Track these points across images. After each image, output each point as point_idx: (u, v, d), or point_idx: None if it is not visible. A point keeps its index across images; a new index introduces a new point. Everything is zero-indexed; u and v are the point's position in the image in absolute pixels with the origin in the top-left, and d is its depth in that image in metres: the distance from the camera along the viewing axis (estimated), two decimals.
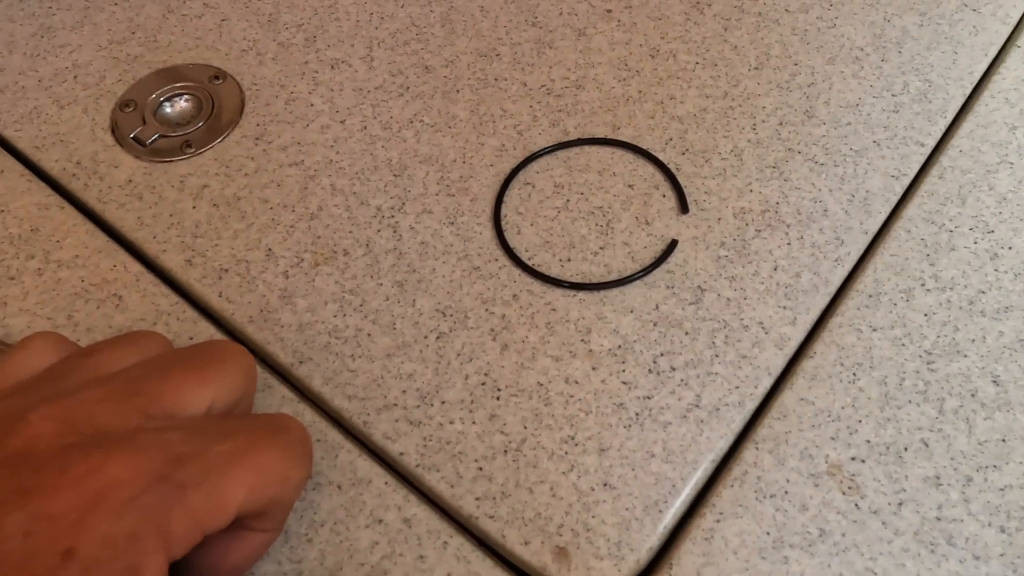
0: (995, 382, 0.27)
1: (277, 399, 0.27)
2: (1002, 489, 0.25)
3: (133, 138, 0.33)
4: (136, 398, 0.19)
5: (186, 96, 0.35)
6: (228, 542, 0.21)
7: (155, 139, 0.33)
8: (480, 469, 0.25)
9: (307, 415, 0.26)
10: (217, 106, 0.34)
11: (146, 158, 0.33)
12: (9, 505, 0.16)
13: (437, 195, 0.31)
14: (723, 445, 0.26)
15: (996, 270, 0.29)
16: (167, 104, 0.34)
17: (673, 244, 0.30)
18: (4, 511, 0.16)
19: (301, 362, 0.27)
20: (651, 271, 0.29)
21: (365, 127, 0.33)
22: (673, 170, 0.32)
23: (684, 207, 0.31)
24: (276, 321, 0.28)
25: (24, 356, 0.21)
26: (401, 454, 0.26)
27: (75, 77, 0.35)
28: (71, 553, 0.16)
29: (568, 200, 0.31)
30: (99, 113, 0.34)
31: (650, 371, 0.27)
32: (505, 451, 0.26)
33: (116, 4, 0.38)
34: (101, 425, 0.18)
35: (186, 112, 0.34)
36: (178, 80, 0.35)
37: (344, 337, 0.28)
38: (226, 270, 0.30)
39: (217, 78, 0.35)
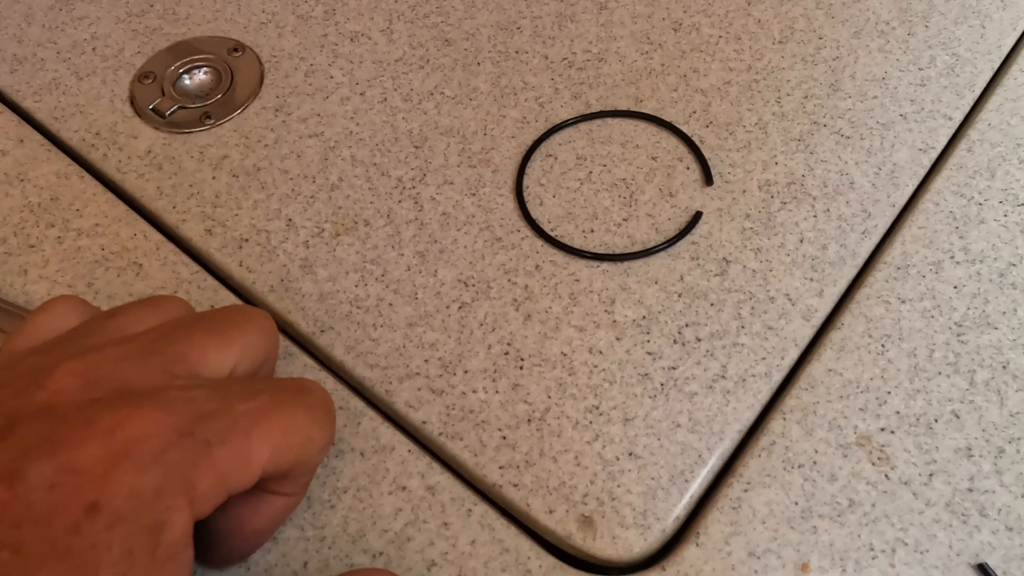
0: None
1: (299, 367, 0.27)
2: None
3: (152, 109, 0.33)
4: (159, 357, 0.19)
5: (205, 68, 0.34)
6: (252, 505, 0.21)
7: (174, 110, 0.33)
8: (504, 438, 0.25)
9: (329, 383, 0.26)
10: (236, 78, 0.34)
11: (165, 129, 0.32)
12: (34, 456, 0.16)
13: (458, 166, 0.31)
14: (750, 415, 0.26)
15: None
16: (186, 76, 0.34)
17: (698, 216, 0.30)
18: (29, 462, 0.16)
19: (323, 331, 0.27)
20: (675, 242, 0.29)
21: (385, 99, 0.33)
22: (697, 142, 0.32)
23: (708, 179, 0.31)
24: (297, 290, 0.28)
25: (46, 318, 0.21)
26: (424, 423, 0.25)
27: (94, 49, 0.35)
28: (96, 506, 0.16)
29: (591, 172, 0.31)
30: (118, 85, 0.34)
31: (675, 342, 0.27)
32: (529, 420, 0.25)
33: None
34: (126, 381, 0.18)
35: (205, 84, 0.34)
36: (197, 52, 0.35)
37: (366, 306, 0.28)
38: (246, 240, 0.29)
39: (236, 50, 0.35)
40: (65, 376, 0.18)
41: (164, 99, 0.33)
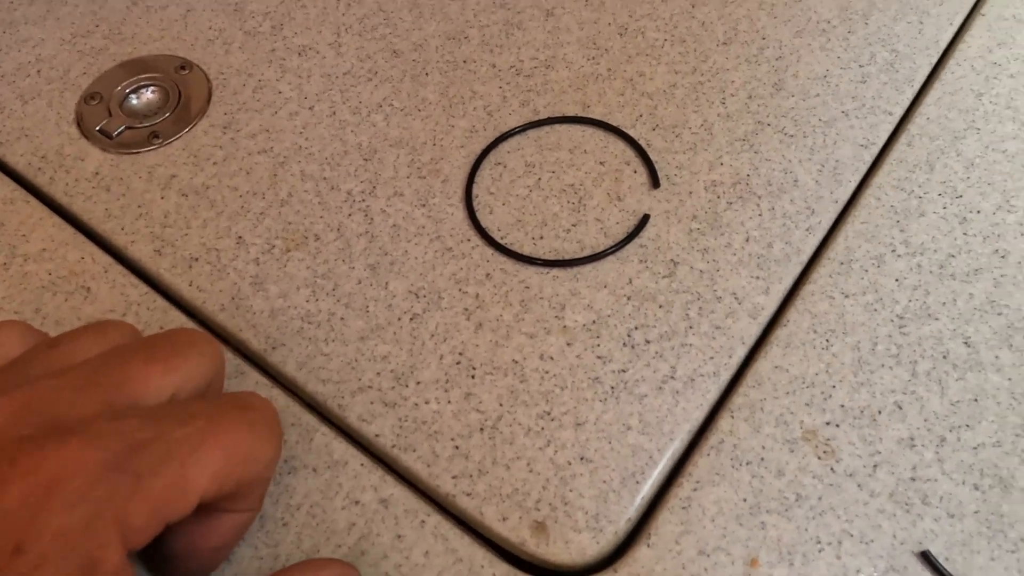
0: (966, 344, 0.27)
1: (251, 385, 0.27)
2: (975, 448, 0.25)
3: (99, 130, 0.33)
4: (96, 388, 0.19)
5: (152, 87, 0.34)
6: (205, 525, 0.21)
7: (121, 131, 0.33)
8: (456, 448, 0.25)
9: (281, 400, 0.26)
10: (184, 96, 0.34)
11: (113, 150, 0.32)
12: None
13: (408, 178, 0.31)
14: (699, 415, 0.26)
15: (965, 234, 0.30)
16: (133, 96, 0.34)
17: (645, 219, 0.30)
18: None
19: (274, 348, 0.27)
20: (624, 246, 0.29)
21: (334, 112, 0.33)
22: (644, 146, 0.32)
23: (655, 182, 0.31)
24: (248, 308, 0.28)
25: None
26: (377, 435, 0.25)
27: (39, 71, 0.35)
28: (20, 548, 0.16)
29: (539, 179, 0.31)
30: (64, 107, 0.34)
31: (625, 344, 0.27)
32: (481, 429, 0.26)
33: None
34: (58, 416, 0.18)
35: (152, 103, 0.34)
36: (144, 71, 0.35)
37: (317, 322, 0.28)
38: (196, 259, 0.29)
39: (183, 68, 0.35)
40: None
41: (111, 120, 0.33)
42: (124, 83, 0.34)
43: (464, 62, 0.35)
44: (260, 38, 0.36)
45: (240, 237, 0.30)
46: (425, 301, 0.28)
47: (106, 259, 0.29)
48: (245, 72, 0.35)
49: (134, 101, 0.34)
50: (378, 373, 0.27)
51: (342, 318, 0.28)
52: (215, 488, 0.19)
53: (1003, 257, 0.29)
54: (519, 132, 0.33)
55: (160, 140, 0.32)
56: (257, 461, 0.20)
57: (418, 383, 0.26)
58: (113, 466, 0.17)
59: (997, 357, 0.27)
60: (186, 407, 0.19)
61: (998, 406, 0.26)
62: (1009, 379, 0.26)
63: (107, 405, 0.18)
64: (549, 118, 0.33)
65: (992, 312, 0.28)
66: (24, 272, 0.29)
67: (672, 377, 0.26)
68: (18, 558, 0.15)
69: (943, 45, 0.35)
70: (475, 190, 0.31)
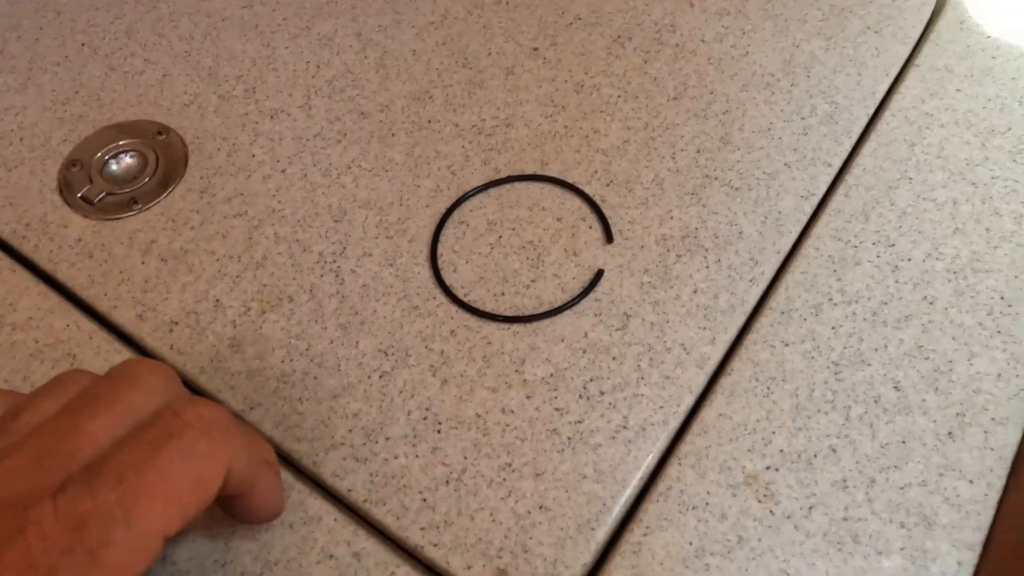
0: (896, 387, 0.29)
1: None
2: (902, 488, 0.27)
3: (81, 197, 0.34)
4: (49, 461, 0.19)
5: (131, 152, 0.36)
6: (239, 509, 0.24)
7: (102, 197, 0.34)
8: (424, 500, 0.27)
9: None
10: (162, 161, 0.36)
11: (95, 216, 0.34)
12: None
13: (376, 238, 0.33)
14: (650, 462, 0.28)
15: (897, 281, 0.32)
16: (113, 161, 0.36)
17: (600, 274, 0.32)
18: None
19: (252, 408, 0.29)
20: (579, 300, 0.31)
21: (305, 175, 0.35)
22: (598, 202, 0.34)
23: (609, 237, 0.33)
24: (227, 370, 0.30)
25: None
26: (349, 490, 0.27)
27: (21, 139, 0.36)
28: None
29: (500, 236, 0.33)
30: (46, 174, 0.35)
31: (580, 396, 0.29)
32: (447, 481, 0.27)
33: (59, 64, 0.39)
34: (9, 500, 0.18)
35: (132, 168, 0.36)
36: (123, 137, 0.36)
37: (292, 381, 0.29)
38: (176, 323, 0.31)
39: (160, 133, 0.36)
40: None
41: (92, 186, 0.35)
42: (104, 149, 0.36)
43: (429, 122, 0.37)
44: (234, 102, 0.38)
45: (218, 300, 0.31)
46: (394, 359, 0.30)
47: (91, 326, 0.31)
48: (220, 136, 0.36)
49: (114, 167, 0.36)
50: (350, 430, 0.28)
51: (315, 377, 0.30)
52: (177, 523, 0.19)
53: (931, 303, 0.31)
54: (481, 191, 0.34)
55: (140, 205, 0.34)
56: (208, 481, 0.20)
57: (387, 438, 0.28)
58: (65, 549, 0.18)
59: (924, 400, 0.29)
60: (116, 457, 0.20)
61: (924, 447, 0.28)
62: (934, 421, 0.28)
63: (55, 477, 0.19)
64: (509, 176, 0.35)
65: (920, 357, 0.30)
66: (12, 341, 0.30)
67: (625, 427, 0.28)
68: None
69: (880, 96, 0.38)
70: (440, 249, 0.33)
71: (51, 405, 0.21)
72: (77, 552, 0.18)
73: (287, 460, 0.28)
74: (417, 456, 0.28)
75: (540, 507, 0.27)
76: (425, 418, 0.29)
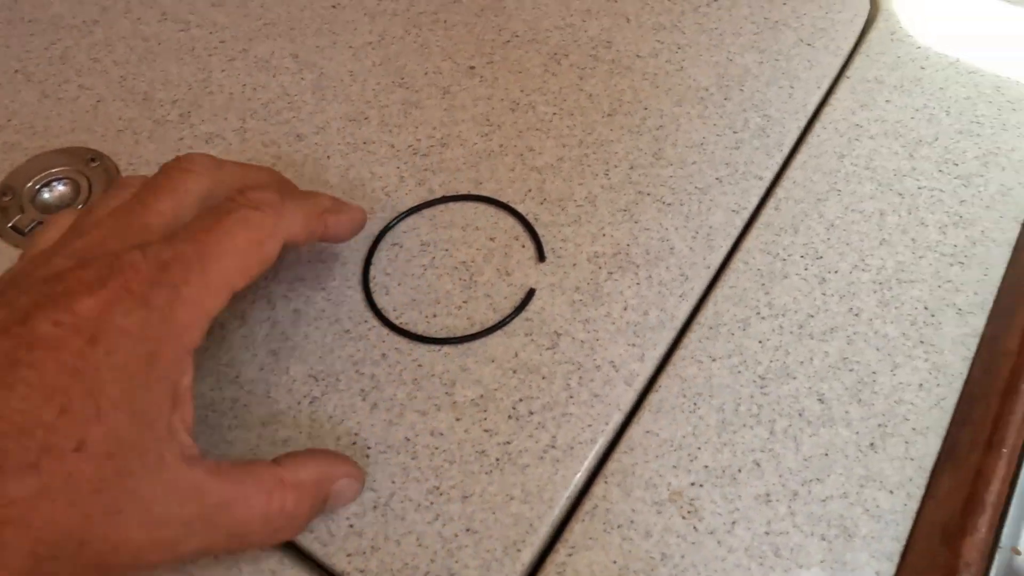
0: (820, 400, 0.29)
1: None
2: (824, 500, 0.27)
3: (12, 227, 0.34)
4: (127, 230, 0.24)
5: (64, 180, 0.36)
6: (328, 239, 0.29)
7: (33, 226, 0.34)
8: (351, 526, 0.27)
9: None
10: (95, 189, 0.35)
11: (25, 247, 0.34)
12: (42, 305, 0.21)
13: (309, 262, 0.33)
14: (578, 481, 0.28)
15: (823, 294, 0.32)
16: (45, 190, 0.35)
17: (531, 293, 0.32)
18: (37, 310, 0.21)
19: None
20: (510, 320, 0.31)
21: None
22: (531, 220, 0.34)
23: (541, 256, 0.33)
24: None
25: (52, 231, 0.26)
26: None
27: None
28: (95, 339, 0.20)
29: (434, 257, 0.33)
30: None
31: (510, 417, 0.29)
32: (375, 507, 0.27)
33: None
34: (108, 253, 0.23)
35: (64, 196, 0.35)
36: (55, 165, 0.36)
37: (221, 410, 0.29)
38: None
39: (93, 160, 0.36)
40: (63, 259, 0.23)
41: (23, 215, 0.34)
42: (36, 177, 0.36)
43: (364, 143, 0.37)
44: (168, 126, 0.38)
45: None
46: (324, 384, 0.30)
47: None
48: (155, 161, 0.36)
49: (46, 195, 0.35)
50: None
51: (245, 405, 0.30)
52: (241, 277, 0.24)
53: (856, 315, 0.32)
54: (415, 212, 0.35)
55: None
56: (265, 245, 0.25)
57: None
58: (154, 282, 0.22)
59: (847, 412, 0.29)
60: (190, 227, 0.24)
61: (846, 459, 0.28)
62: (857, 433, 0.29)
63: (140, 239, 0.23)
64: (443, 197, 0.35)
65: (844, 369, 0.30)
66: None
67: (553, 446, 0.29)
68: (94, 345, 0.20)
69: (811, 109, 0.38)
70: (372, 271, 0.33)
71: (118, 200, 0.26)
72: (164, 285, 0.22)
73: None
74: None
75: (467, 530, 0.27)
76: (354, 443, 0.29)
